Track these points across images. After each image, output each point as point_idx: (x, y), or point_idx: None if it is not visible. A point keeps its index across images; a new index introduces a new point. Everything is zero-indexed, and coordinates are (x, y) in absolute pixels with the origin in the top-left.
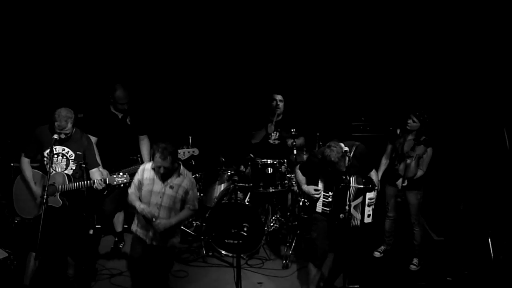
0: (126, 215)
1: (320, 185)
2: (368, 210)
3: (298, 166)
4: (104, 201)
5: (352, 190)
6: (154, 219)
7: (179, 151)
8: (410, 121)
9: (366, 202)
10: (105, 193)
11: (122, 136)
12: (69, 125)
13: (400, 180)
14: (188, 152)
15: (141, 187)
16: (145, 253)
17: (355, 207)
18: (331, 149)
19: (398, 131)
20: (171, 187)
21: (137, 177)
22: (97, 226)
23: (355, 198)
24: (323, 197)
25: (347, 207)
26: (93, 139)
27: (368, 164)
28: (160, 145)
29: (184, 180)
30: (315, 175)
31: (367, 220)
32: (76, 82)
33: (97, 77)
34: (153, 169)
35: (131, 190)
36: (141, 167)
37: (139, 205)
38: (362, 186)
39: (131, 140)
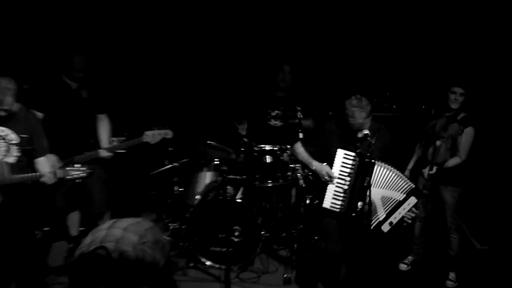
0: (83, 215)
1: (336, 166)
2: (395, 217)
3: (298, 141)
4: (55, 196)
5: (380, 169)
6: None
7: (147, 133)
8: (454, 96)
9: (403, 206)
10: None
11: (76, 112)
12: (8, 99)
13: (428, 168)
14: (159, 134)
15: None
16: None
17: (383, 199)
18: (356, 97)
19: (433, 111)
20: None
21: None
22: (45, 228)
23: (386, 184)
24: (337, 184)
25: (367, 196)
26: (38, 115)
27: (389, 155)
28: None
29: None
30: (325, 152)
31: (386, 227)
32: (20, 45)
33: (45, 39)
34: None
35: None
36: None
37: None
38: (396, 171)
39: (87, 118)
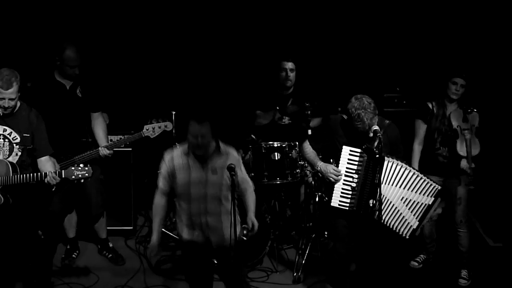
0: (79, 217)
1: (342, 164)
2: (427, 218)
3: (306, 140)
4: (51, 200)
5: (394, 166)
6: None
7: (146, 126)
8: (454, 86)
9: (433, 209)
10: (53, 189)
11: (71, 112)
12: (14, 90)
13: (464, 161)
14: (159, 127)
15: (175, 180)
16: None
17: (407, 202)
18: (356, 97)
19: (432, 105)
20: (213, 171)
21: (164, 169)
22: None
23: (405, 185)
24: (344, 182)
25: (378, 193)
26: None
27: (398, 151)
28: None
29: (228, 159)
30: (332, 147)
31: (417, 232)
32: (15, 42)
33: (36, 35)
34: (186, 154)
35: (159, 194)
36: (168, 156)
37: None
38: (416, 171)
39: (82, 117)
